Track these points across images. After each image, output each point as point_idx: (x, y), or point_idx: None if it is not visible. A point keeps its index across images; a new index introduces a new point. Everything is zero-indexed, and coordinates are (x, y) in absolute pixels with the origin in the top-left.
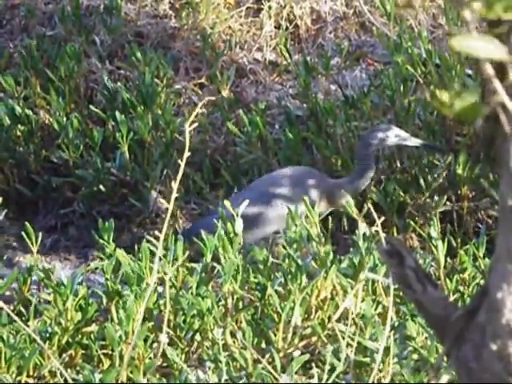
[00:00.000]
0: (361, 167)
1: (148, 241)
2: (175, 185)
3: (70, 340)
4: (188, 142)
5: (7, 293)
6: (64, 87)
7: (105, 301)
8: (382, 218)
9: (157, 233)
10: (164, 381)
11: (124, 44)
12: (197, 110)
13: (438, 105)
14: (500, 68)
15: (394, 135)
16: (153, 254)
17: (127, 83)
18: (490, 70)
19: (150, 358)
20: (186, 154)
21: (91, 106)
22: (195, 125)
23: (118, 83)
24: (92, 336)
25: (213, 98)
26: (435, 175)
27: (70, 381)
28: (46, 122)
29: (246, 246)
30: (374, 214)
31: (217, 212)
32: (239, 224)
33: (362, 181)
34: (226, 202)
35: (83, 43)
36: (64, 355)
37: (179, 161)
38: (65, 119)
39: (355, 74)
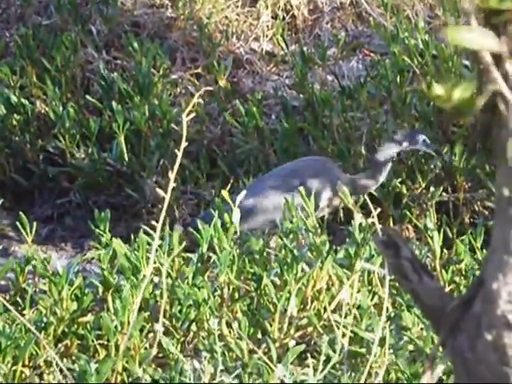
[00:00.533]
0: (380, 162)
1: (144, 231)
2: (172, 175)
3: (66, 330)
4: (185, 132)
5: (2, 282)
6: (60, 77)
7: (101, 291)
8: (378, 209)
9: (154, 222)
10: (160, 371)
11: (120, 34)
12: (194, 100)
13: (434, 98)
14: (496, 58)
15: (422, 140)
16: (149, 244)
17: (124, 73)
18: (488, 59)
19: (146, 348)
20: (184, 144)
21: (88, 96)
22: (192, 115)
23: (115, 73)
24: (88, 326)
25: (210, 88)
26: (431, 166)
27: (65, 371)
28: (42, 111)
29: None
30: (370, 205)
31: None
32: (236, 214)
33: (383, 175)
34: (225, 193)
35: (79, 33)
36: (60, 345)
37: (176, 151)
38: (61, 109)
39: (352, 64)
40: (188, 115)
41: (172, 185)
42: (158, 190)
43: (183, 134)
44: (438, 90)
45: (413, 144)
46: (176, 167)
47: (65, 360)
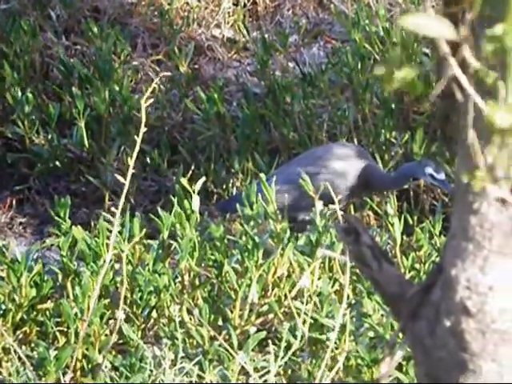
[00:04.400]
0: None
1: (105, 218)
2: (131, 161)
3: (25, 317)
4: (144, 118)
5: None
6: (19, 62)
7: (60, 277)
8: (339, 196)
9: (113, 209)
10: (120, 358)
11: (80, 19)
12: (152, 86)
13: (377, 78)
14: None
15: (429, 174)
16: (110, 231)
17: (84, 59)
18: (445, 47)
19: (106, 335)
20: (143, 129)
21: (47, 82)
22: (151, 101)
23: (75, 58)
24: (47, 313)
25: (168, 74)
26: (392, 153)
27: (23, 358)
28: (1, 97)
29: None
30: (332, 192)
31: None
32: (197, 201)
33: (402, 184)
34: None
35: (38, 17)
36: (18, 332)
37: (136, 137)
38: (20, 94)
39: (313, 51)
40: (147, 101)
41: (131, 171)
42: (118, 177)
43: (142, 121)
44: (380, 70)
45: (419, 176)
46: (135, 154)
47: (23, 347)
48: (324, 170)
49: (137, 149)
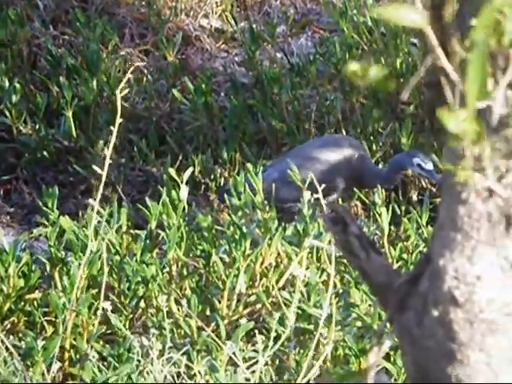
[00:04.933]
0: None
1: (92, 208)
2: (108, 152)
3: (13, 307)
4: (119, 107)
5: None
6: (6, 52)
7: (48, 268)
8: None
9: (91, 200)
10: (108, 348)
11: (68, 9)
12: (126, 77)
13: (350, 75)
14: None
15: (417, 164)
16: (98, 221)
17: (71, 49)
18: (433, 38)
19: (94, 325)
20: (118, 120)
21: (35, 71)
22: (126, 91)
23: (62, 49)
24: (35, 303)
25: (141, 64)
26: (380, 143)
27: (11, 348)
28: None
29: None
30: (316, 183)
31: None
32: (185, 191)
33: (395, 179)
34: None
35: (26, 7)
36: (6, 322)
37: (111, 128)
38: (7, 84)
39: (301, 41)
40: (122, 91)
41: (108, 161)
42: (95, 167)
43: (118, 111)
44: (354, 66)
45: (407, 166)
46: (111, 144)
47: (11, 337)
48: (317, 162)
49: (113, 140)
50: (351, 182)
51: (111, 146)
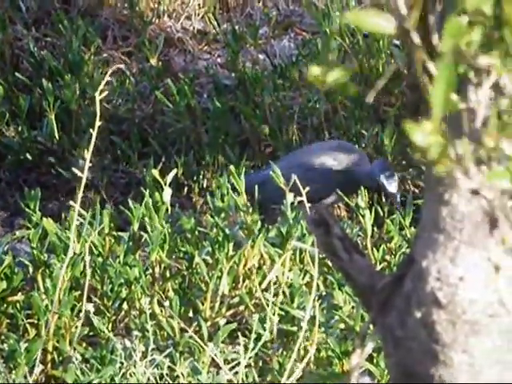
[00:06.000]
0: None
1: (74, 210)
2: (88, 154)
3: None
4: (99, 111)
5: None
6: None
7: (31, 270)
8: (307, 188)
9: (72, 202)
10: (90, 350)
11: (50, 11)
12: (106, 79)
13: (311, 78)
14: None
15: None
16: (80, 223)
17: (54, 51)
18: (416, 39)
19: (77, 327)
20: (98, 123)
21: (17, 74)
22: (105, 93)
23: (45, 51)
24: (17, 305)
25: (121, 66)
26: (362, 145)
27: None
28: None
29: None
30: (299, 185)
31: (268, 168)
32: (168, 193)
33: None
34: (155, 172)
35: (8, 9)
36: None
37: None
38: None
39: (283, 43)
40: (101, 93)
41: (88, 164)
42: (74, 169)
43: (97, 113)
44: (315, 70)
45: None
46: (91, 147)
47: None
48: (312, 167)
49: (92, 142)
50: (345, 187)
51: (91, 149)
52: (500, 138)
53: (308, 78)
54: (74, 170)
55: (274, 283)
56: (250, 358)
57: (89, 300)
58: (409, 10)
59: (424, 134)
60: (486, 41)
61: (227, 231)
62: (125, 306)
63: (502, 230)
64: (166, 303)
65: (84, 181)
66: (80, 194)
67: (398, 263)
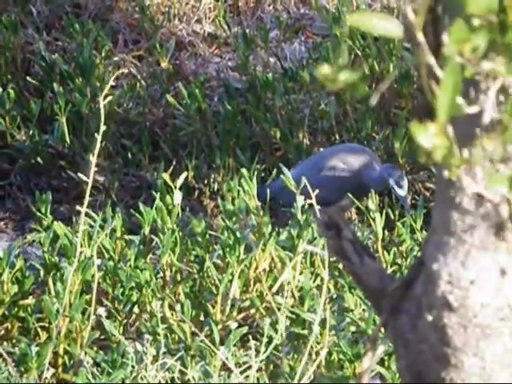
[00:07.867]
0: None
1: (86, 213)
2: (93, 158)
3: (6, 313)
4: (103, 115)
5: None
6: (0, 58)
7: (42, 273)
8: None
9: (78, 207)
10: (102, 353)
11: (61, 15)
12: (110, 83)
13: (321, 78)
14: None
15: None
16: (91, 226)
17: (65, 55)
18: (422, 40)
19: (87, 331)
20: (102, 127)
21: (28, 78)
22: (109, 98)
23: (56, 54)
24: (29, 309)
25: (125, 71)
26: (373, 148)
27: (4, 354)
28: None
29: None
30: (309, 187)
31: (279, 179)
32: (178, 196)
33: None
34: (166, 176)
35: (19, 13)
36: (0, 328)
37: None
38: (1, 90)
39: (294, 46)
40: (105, 98)
41: (94, 168)
42: (81, 175)
43: (102, 118)
44: (325, 69)
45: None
46: (97, 150)
47: (5, 343)
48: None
49: (98, 146)
50: (357, 191)
51: (96, 152)
52: (506, 142)
53: (318, 77)
54: (80, 174)
55: (285, 286)
56: (261, 361)
57: (100, 303)
58: (416, 14)
59: (429, 136)
60: (490, 46)
61: (238, 234)
62: (136, 309)
63: (507, 234)
64: (177, 307)
65: (90, 184)
66: (87, 198)
67: (409, 266)
